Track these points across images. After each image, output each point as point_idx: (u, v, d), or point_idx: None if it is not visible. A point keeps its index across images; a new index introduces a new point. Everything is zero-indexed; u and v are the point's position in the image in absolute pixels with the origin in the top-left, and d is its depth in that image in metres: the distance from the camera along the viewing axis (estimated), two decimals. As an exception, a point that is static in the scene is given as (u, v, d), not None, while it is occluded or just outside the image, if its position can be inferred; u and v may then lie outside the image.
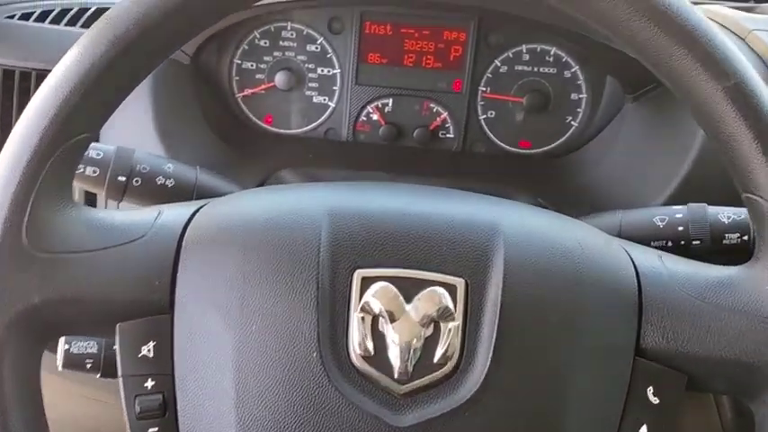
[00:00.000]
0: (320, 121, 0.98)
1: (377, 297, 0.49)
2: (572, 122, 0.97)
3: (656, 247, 0.65)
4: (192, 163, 0.85)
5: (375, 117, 0.97)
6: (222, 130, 0.93)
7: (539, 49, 0.95)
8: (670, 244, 0.65)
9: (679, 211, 0.66)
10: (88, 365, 0.62)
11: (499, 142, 0.98)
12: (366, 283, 0.49)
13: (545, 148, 0.98)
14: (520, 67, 0.95)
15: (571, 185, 0.91)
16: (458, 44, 0.95)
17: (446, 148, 0.98)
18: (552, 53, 0.95)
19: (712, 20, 0.99)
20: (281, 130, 0.99)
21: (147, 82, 0.85)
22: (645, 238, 0.66)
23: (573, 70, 0.95)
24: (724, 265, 0.56)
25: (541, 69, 0.95)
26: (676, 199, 0.79)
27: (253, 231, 0.51)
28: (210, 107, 0.93)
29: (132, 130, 0.85)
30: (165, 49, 0.51)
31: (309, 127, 0.98)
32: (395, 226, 0.51)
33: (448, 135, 0.98)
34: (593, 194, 0.88)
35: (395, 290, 0.49)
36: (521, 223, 0.53)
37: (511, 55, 0.95)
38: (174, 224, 0.53)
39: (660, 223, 0.66)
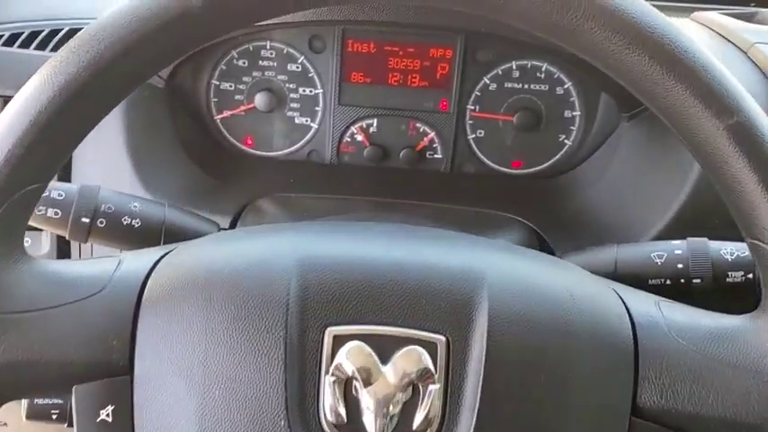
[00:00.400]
0: (303, 142, 0.94)
1: (350, 358, 0.45)
2: (565, 141, 0.93)
3: (654, 286, 0.62)
4: (169, 191, 0.82)
5: (359, 138, 0.94)
6: (199, 155, 0.89)
7: (529, 66, 0.91)
8: (669, 282, 0.61)
9: (678, 247, 0.62)
10: (54, 416, 0.59)
11: (489, 162, 0.94)
12: (338, 342, 0.45)
13: (537, 168, 0.94)
14: (510, 85, 0.91)
15: (564, 208, 0.88)
16: (444, 62, 0.91)
17: (434, 169, 0.95)
18: (543, 69, 0.91)
19: (713, 30, 0.96)
20: (262, 153, 0.95)
21: (118, 108, 0.81)
22: (642, 276, 0.62)
23: (565, 87, 0.91)
24: (727, 304, 0.52)
25: (532, 86, 0.91)
26: (675, 226, 0.75)
27: (216, 285, 0.47)
28: (187, 132, 0.89)
29: (104, 159, 0.82)
30: (126, 88, 0.47)
31: (291, 149, 0.94)
32: (370, 277, 0.47)
33: (436, 155, 0.94)
34: (587, 219, 0.85)
35: (369, 350, 0.45)
36: (506, 271, 0.49)
37: (500, 72, 0.91)
38: (134, 276, 0.49)
39: (658, 260, 0.62)
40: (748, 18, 1.01)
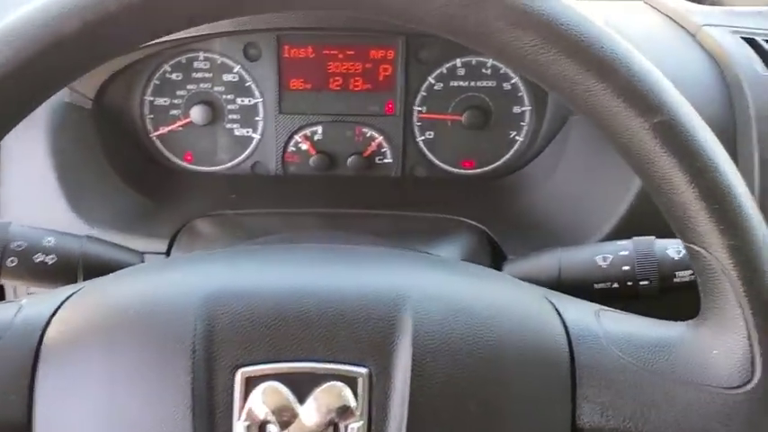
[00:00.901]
0: (245, 154, 0.91)
1: (264, 399, 0.41)
2: (516, 138, 0.90)
3: (600, 290, 0.59)
4: (102, 217, 0.78)
5: (304, 147, 0.90)
6: (134, 176, 0.85)
7: (474, 62, 0.88)
8: (616, 286, 0.59)
9: (624, 248, 0.59)
10: None
11: (441, 164, 0.91)
12: (251, 383, 0.42)
13: (490, 167, 0.91)
14: (456, 83, 0.88)
15: (517, 208, 0.85)
16: (386, 63, 0.87)
17: (384, 174, 0.91)
18: (489, 65, 0.88)
19: (662, 13, 0.93)
20: (204, 168, 0.91)
21: (43, 133, 0.78)
22: (587, 280, 0.59)
23: (513, 82, 0.88)
24: (678, 306, 0.50)
25: (479, 83, 0.88)
26: (625, 226, 0.72)
27: (119, 327, 0.44)
28: (119, 152, 0.85)
29: (32, 188, 0.78)
30: (23, 111, 0.43)
31: (234, 162, 0.91)
32: (283, 309, 0.44)
33: (385, 160, 0.91)
34: (536, 220, 0.82)
35: (285, 389, 0.42)
36: (432, 291, 0.45)
37: (445, 71, 0.88)
38: (34, 324, 0.45)
39: (603, 263, 0.59)
40: (699, 1, 0.99)
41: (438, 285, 0.47)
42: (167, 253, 0.76)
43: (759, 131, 0.74)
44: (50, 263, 0.59)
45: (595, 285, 0.59)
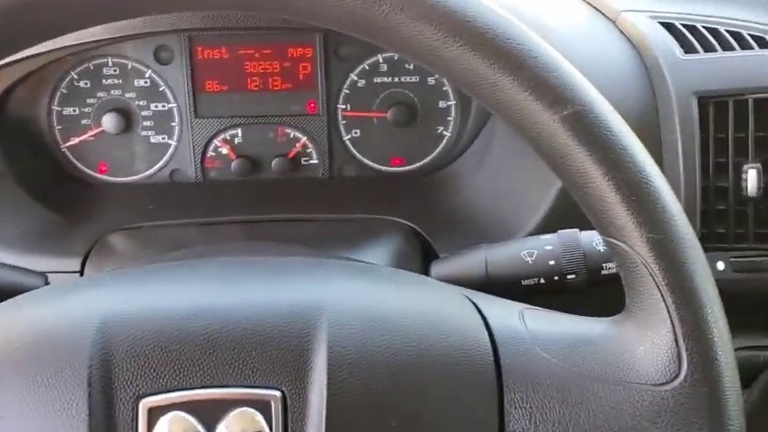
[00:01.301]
0: (162, 162, 0.86)
1: (170, 431, 0.38)
2: (444, 133, 0.88)
3: (528, 287, 0.57)
4: (6, 236, 0.73)
5: (224, 151, 0.87)
6: (43, 190, 0.80)
7: (396, 58, 0.85)
8: (543, 281, 0.57)
9: (549, 242, 0.58)
10: None
11: (369, 162, 0.89)
12: (155, 415, 0.39)
13: (419, 164, 0.89)
14: (379, 79, 0.86)
15: (446, 205, 0.83)
16: (305, 61, 0.84)
17: (312, 175, 0.88)
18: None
19: (583, 0, 0.92)
20: (120, 179, 0.87)
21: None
22: (514, 277, 0.57)
23: (436, 76, 0.86)
24: (607, 301, 0.48)
25: (403, 79, 0.86)
26: (550, 220, 0.71)
27: (8, 362, 0.40)
28: (25, 165, 0.80)
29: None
30: None
31: (151, 171, 0.87)
32: (187, 331, 0.40)
33: (311, 161, 0.88)
34: (465, 217, 0.80)
35: (192, 420, 0.39)
36: (346, 302, 0.43)
37: (367, 67, 0.85)
38: None
39: (529, 258, 0.57)
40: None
41: (354, 295, 0.44)
42: (81, 273, 0.72)
43: (680, 114, 0.74)
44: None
45: (523, 282, 0.57)
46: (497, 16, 0.39)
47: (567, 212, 0.70)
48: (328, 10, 0.39)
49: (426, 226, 0.78)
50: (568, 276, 0.56)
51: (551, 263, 0.57)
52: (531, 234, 0.72)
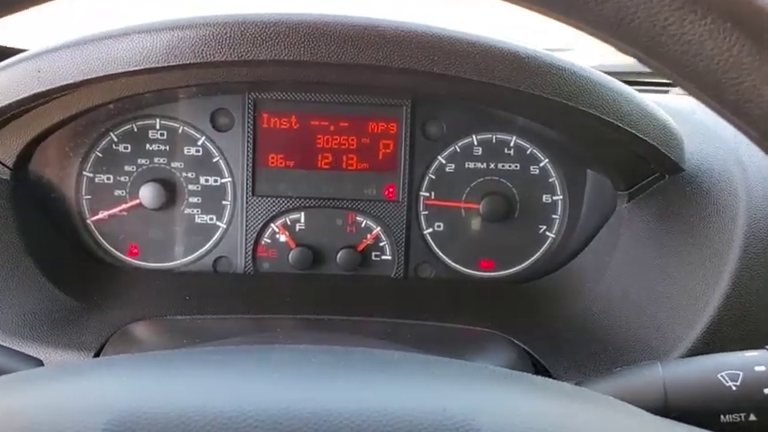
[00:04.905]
0: (207, 248, 0.71)
1: None
2: (547, 233, 0.73)
3: (730, 425, 0.39)
4: (7, 319, 0.57)
5: (282, 238, 0.72)
6: (60, 270, 0.65)
7: (494, 140, 0.72)
8: (753, 418, 0.39)
9: (759, 361, 0.41)
10: None
11: (453, 264, 0.73)
12: None
13: (513, 270, 0.73)
14: (472, 164, 0.72)
15: (556, 318, 0.66)
16: (388, 137, 0.71)
17: (383, 274, 0.73)
18: (512, 144, 0.72)
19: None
20: (152, 265, 0.71)
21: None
22: (709, 409, 0.40)
23: (541, 165, 0.72)
24: None
25: (500, 166, 0.72)
26: (713, 335, 0.54)
27: None
28: (43, 239, 0.66)
29: None
30: None
31: (191, 257, 0.71)
32: None
33: (384, 257, 0.73)
34: (587, 330, 0.63)
35: None
36: (509, 422, 0.26)
37: (458, 149, 0.72)
38: None
39: (731, 383, 0.40)
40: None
41: (517, 411, 0.27)
42: None
43: None
44: None
45: (722, 417, 0.39)
46: None
47: (731, 327, 0.53)
48: None
49: (531, 341, 0.61)
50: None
51: (766, 391, 0.39)
52: (688, 355, 0.54)
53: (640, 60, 0.26)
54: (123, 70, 0.53)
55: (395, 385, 0.29)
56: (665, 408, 0.41)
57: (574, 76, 0.55)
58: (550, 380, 0.36)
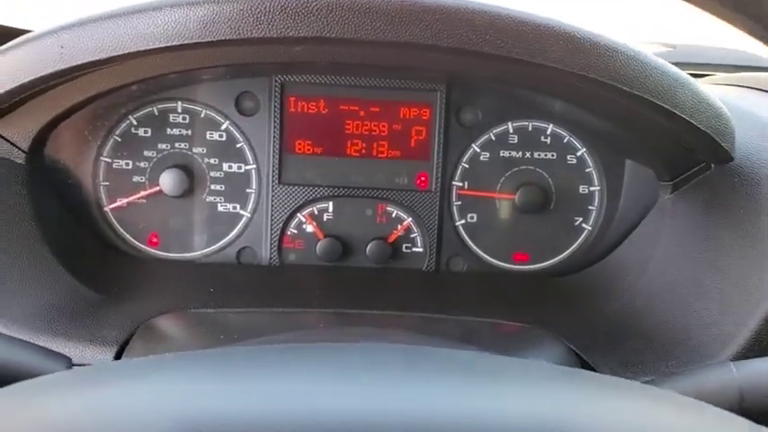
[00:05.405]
0: (230, 238, 0.68)
1: None
2: (583, 225, 0.70)
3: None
4: (22, 310, 0.54)
5: (309, 228, 0.68)
6: (75, 259, 0.61)
7: (530, 128, 0.69)
8: None
9: None
10: None
11: (486, 257, 0.70)
12: None
13: (549, 263, 0.70)
14: (507, 153, 0.69)
15: (597, 313, 0.63)
16: (420, 124, 0.68)
17: (413, 267, 0.70)
18: (549, 132, 0.69)
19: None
20: (173, 255, 0.68)
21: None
22: None
23: (579, 154, 0.69)
24: None
25: (536, 155, 0.69)
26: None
27: None
28: (57, 226, 0.62)
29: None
30: None
31: (213, 247, 0.68)
32: None
33: (415, 249, 0.69)
34: (631, 325, 0.60)
35: None
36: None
37: (493, 137, 0.69)
38: None
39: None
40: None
41: (600, 411, 0.24)
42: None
43: None
44: None
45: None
46: None
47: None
48: None
49: (573, 336, 0.58)
50: None
51: None
52: (741, 354, 0.51)
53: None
54: (154, 47, 0.50)
55: (507, 392, 0.26)
56: (740, 409, 0.38)
57: (630, 60, 0.52)
58: (663, 390, 0.33)
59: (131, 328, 0.54)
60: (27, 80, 0.52)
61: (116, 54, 0.51)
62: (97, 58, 0.52)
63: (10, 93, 0.53)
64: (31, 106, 0.58)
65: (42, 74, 0.52)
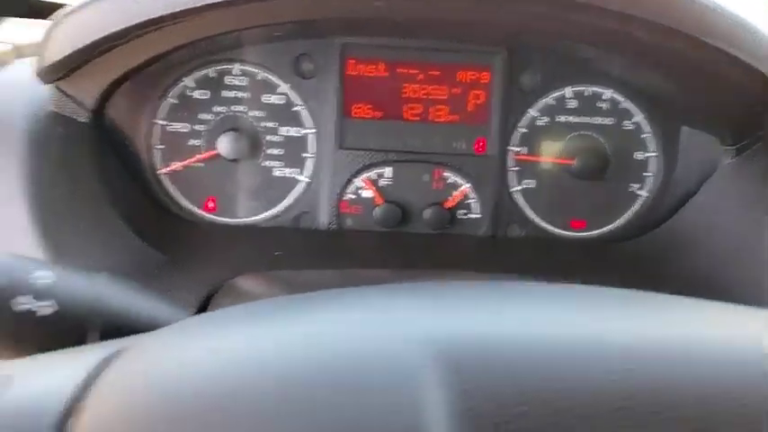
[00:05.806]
0: (287, 203, 0.67)
1: None
2: (639, 192, 0.70)
3: None
4: (93, 270, 0.52)
5: (368, 194, 0.68)
6: (140, 220, 0.60)
7: (589, 93, 0.68)
8: None
9: None
10: None
11: (543, 223, 0.70)
12: None
13: (605, 229, 0.70)
14: (564, 118, 0.69)
15: (658, 283, 0.62)
16: (479, 88, 0.67)
17: (470, 233, 0.69)
18: (607, 97, 0.68)
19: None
20: (229, 220, 0.67)
21: (18, 149, 0.53)
22: None
23: (635, 120, 0.69)
24: None
25: (594, 120, 0.69)
26: None
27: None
28: (121, 189, 0.61)
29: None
30: None
31: (271, 213, 0.67)
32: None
33: (471, 215, 0.69)
34: (696, 296, 0.60)
35: None
36: None
37: (552, 101, 0.68)
38: (40, 410, 0.21)
39: None
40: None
41: None
42: None
43: None
44: (48, 314, 0.33)
45: None
46: None
47: None
48: None
49: None
50: None
51: None
52: None
53: None
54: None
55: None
56: None
57: (712, 13, 0.52)
58: None
59: (203, 291, 0.53)
60: (102, 35, 0.51)
61: (191, 6, 0.50)
62: (171, 12, 0.51)
63: (82, 51, 0.52)
64: (95, 66, 0.57)
65: (114, 30, 0.51)
